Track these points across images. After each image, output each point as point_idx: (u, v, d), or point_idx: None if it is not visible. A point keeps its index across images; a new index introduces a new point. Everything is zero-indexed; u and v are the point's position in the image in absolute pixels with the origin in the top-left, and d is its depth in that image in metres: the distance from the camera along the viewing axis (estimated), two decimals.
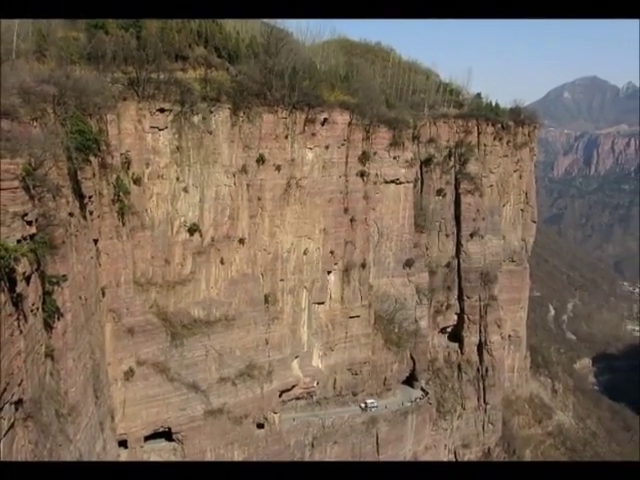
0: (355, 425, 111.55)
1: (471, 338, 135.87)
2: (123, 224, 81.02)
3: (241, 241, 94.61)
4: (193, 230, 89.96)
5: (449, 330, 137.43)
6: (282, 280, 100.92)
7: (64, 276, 57.88)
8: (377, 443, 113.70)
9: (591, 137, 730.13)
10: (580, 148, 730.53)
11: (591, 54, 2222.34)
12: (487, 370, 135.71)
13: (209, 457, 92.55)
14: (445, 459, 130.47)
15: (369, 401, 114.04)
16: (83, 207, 68.27)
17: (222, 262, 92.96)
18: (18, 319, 46.16)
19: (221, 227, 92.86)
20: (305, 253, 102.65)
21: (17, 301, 45.80)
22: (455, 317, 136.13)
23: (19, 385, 45.54)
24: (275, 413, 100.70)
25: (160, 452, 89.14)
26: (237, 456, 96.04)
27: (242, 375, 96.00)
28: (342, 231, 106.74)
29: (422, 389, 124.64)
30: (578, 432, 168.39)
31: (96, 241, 74.77)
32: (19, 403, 46.03)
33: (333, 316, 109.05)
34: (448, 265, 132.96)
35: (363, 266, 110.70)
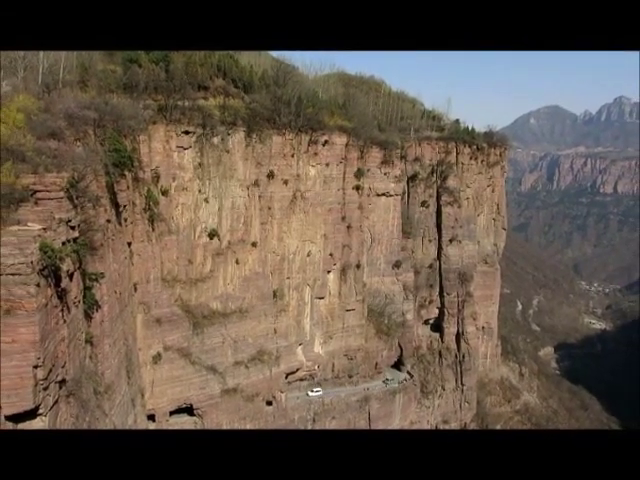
0: (350, 403, 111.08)
1: (450, 329, 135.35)
2: (153, 229, 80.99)
3: (253, 244, 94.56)
4: (212, 235, 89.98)
5: (431, 322, 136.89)
6: (288, 278, 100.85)
7: (102, 274, 57.93)
8: (369, 419, 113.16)
9: (553, 157, 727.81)
10: (544, 167, 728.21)
11: (553, 86, 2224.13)
12: (464, 356, 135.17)
13: None
14: None
15: (315, 389, 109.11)
16: (119, 215, 68.29)
17: (237, 262, 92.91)
18: (62, 310, 46.19)
19: (236, 232, 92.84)
20: (308, 255, 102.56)
21: (61, 295, 45.83)
22: (437, 311, 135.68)
23: (62, 367, 45.55)
24: (282, 392, 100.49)
25: (183, 425, 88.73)
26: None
27: (254, 359, 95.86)
28: (340, 236, 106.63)
29: (408, 372, 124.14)
30: (542, 410, 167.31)
31: (129, 244, 74.74)
32: (62, 382, 46.02)
33: (332, 309, 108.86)
34: (431, 266, 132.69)
35: (358, 266, 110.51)
